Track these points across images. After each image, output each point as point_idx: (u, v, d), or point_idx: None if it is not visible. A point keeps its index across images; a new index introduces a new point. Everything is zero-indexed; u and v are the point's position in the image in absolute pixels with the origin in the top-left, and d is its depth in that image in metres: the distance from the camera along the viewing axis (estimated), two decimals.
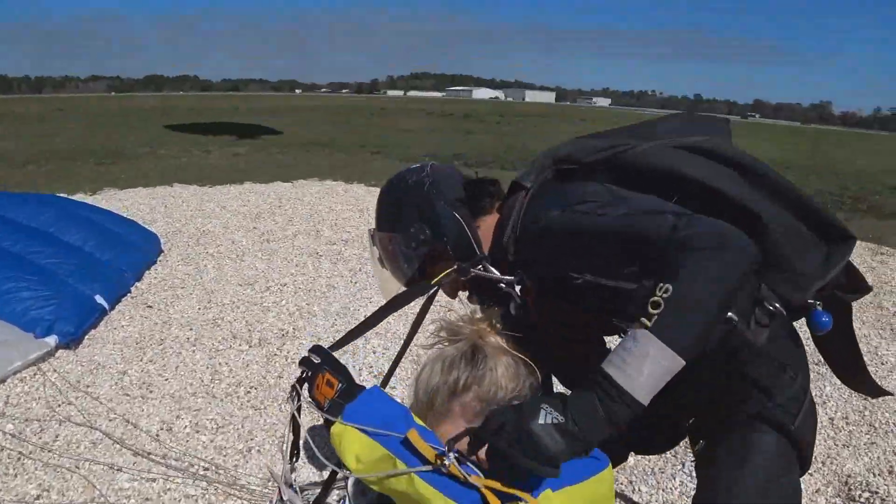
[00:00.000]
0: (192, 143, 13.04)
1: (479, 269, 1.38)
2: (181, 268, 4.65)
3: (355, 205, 7.04)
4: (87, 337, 3.39)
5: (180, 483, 2.28)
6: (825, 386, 3.21)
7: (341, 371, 1.22)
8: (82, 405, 2.76)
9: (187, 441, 2.55)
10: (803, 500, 2.27)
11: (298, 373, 1.26)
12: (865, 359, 1.48)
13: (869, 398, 3.10)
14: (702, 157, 1.32)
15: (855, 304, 1.40)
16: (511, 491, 1.04)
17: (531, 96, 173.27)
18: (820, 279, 1.26)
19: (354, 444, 1.13)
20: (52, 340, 3.15)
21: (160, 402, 2.81)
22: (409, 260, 1.44)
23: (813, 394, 2.77)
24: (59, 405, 2.75)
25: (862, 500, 2.34)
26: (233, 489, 2.26)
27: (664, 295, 1.00)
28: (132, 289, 4.11)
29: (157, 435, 2.57)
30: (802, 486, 2.18)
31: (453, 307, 1.38)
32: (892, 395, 1.69)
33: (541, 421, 0.99)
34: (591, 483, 1.16)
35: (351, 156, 11.75)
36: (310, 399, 1.24)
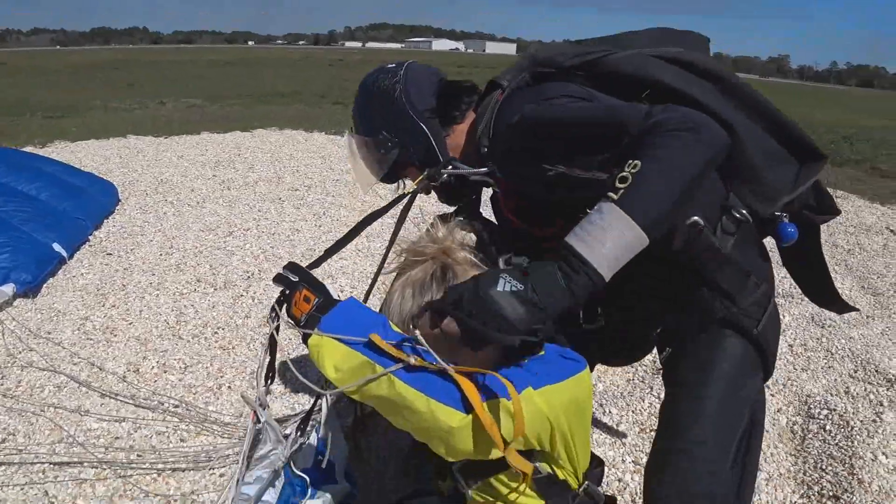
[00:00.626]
0: (145, 94, 12.61)
1: (449, 171, 1.38)
2: (140, 216, 4.52)
3: (317, 152, 6.93)
4: (45, 286, 3.29)
5: (150, 421, 2.26)
6: (784, 316, 3.31)
7: (318, 287, 1.21)
8: (44, 351, 2.69)
9: (155, 381, 2.52)
10: (767, 419, 2.37)
11: (267, 311, 1.26)
12: None
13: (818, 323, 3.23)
14: (679, 68, 1.32)
15: None
16: (483, 371, 1.05)
17: (492, 48, 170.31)
18: (788, 193, 1.31)
19: (333, 353, 1.12)
20: (8, 289, 3.04)
21: (125, 345, 2.76)
22: (380, 163, 1.44)
23: None
24: (20, 352, 2.68)
25: (821, 416, 2.42)
26: (204, 425, 2.25)
27: (632, 170, 0.99)
28: (90, 237, 3.99)
29: (125, 376, 2.53)
30: (766, 408, 2.26)
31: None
32: (858, 310, 1.73)
33: (499, 288, 0.98)
34: (570, 383, 1.18)
35: (311, 107, 11.50)
36: (287, 319, 1.23)
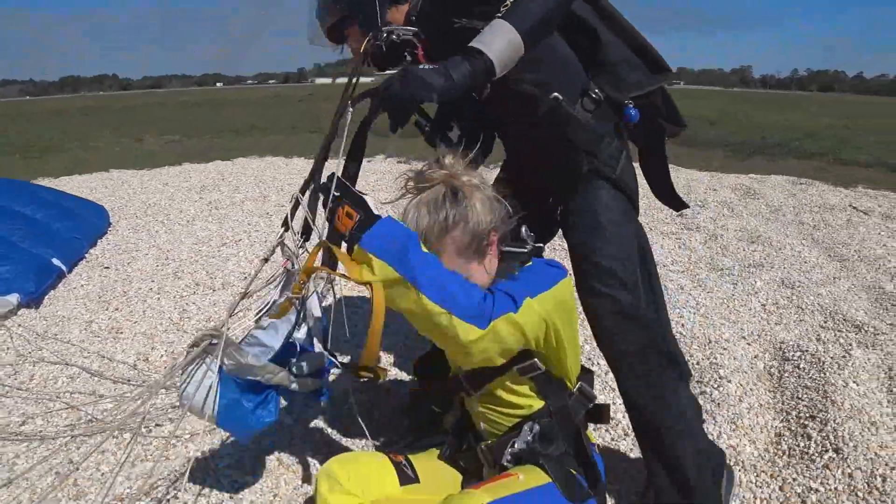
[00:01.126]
0: (123, 133, 12.71)
1: (388, 30, 1.65)
2: (132, 235, 4.64)
3: (299, 173, 7.05)
4: (47, 297, 3.40)
5: (164, 398, 2.37)
6: (756, 281, 3.51)
7: (359, 203, 1.35)
8: (54, 349, 2.79)
9: (165, 367, 2.63)
10: (744, 365, 2.55)
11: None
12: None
13: (788, 285, 3.42)
14: None
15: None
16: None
17: None
18: (636, 89, 1.71)
19: (375, 268, 1.26)
20: (13, 298, 3.14)
21: (133, 340, 2.87)
22: (331, 15, 1.71)
23: (745, 287, 3.06)
24: (30, 352, 2.78)
25: (794, 358, 2.60)
26: None
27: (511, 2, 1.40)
28: (86, 255, 4.10)
29: (135, 364, 2.64)
30: (741, 356, 2.46)
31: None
32: (688, 206, 2.13)
33: (421, 67, 1.36)
34: (558, 288, 1.36)
35: (287, 136, 11.66)
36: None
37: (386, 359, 2.73)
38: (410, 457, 1.54)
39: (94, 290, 3.49)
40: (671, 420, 1.65)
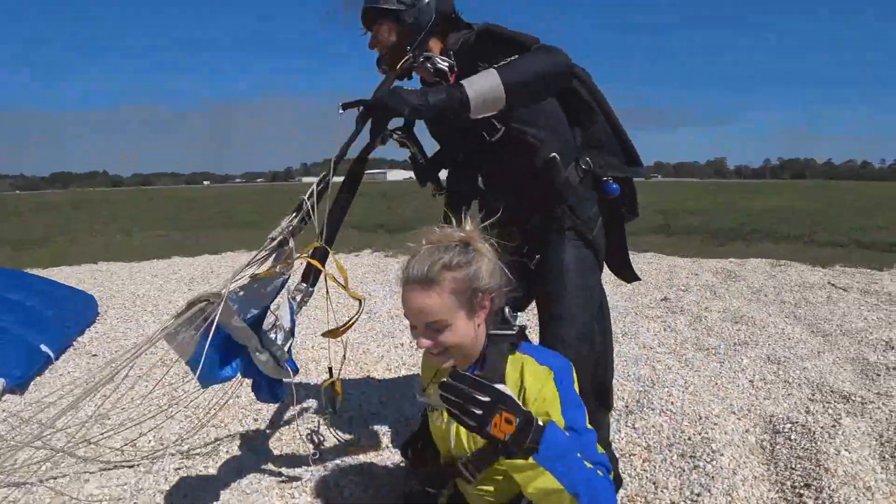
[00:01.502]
0: (112, 227, 12.81)
1: (423, 59, 1.92)
2: (121, 324, 4.63)
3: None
4: (32, 383, 3.36)
5: (150, 486, 2.32)
6: (742, 359, 3.55)
7: (511, 404, 1.27)
8: (37, 433, 2.73)
9: (153, 451, 2.59)
10: (736, 439, 2.56)
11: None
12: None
13: (774, 361, 3.47)
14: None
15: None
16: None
17: (444, 175, 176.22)
18: (615, 171, 2.01)
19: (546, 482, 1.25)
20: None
21: (119, 425, 2.82)
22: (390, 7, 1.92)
23: (731, 365, 3.13)
24: (14, 437, 2.72)
25: (785, 430, 2.61)
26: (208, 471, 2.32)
27: (512, 59, 1.67)
28: (74, 342, 4.08)
29: (121, 449, 2.60)
30: (732, 430, 2.49)
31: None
32: (640, 279, 2.47)
33: (405, 87, 1.65)
34: None
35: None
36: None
37: (384, 435, 2.71)
38: None
39: (81, 377, 3.45)
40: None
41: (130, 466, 2.47)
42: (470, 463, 1.50)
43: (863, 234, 8.93)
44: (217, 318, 1.67)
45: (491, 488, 1.53)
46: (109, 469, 2.46)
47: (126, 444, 2.66)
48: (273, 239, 1.87)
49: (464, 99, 1.60)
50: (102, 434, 2.69)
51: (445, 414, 1.45)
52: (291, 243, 1.85)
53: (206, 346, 1.71)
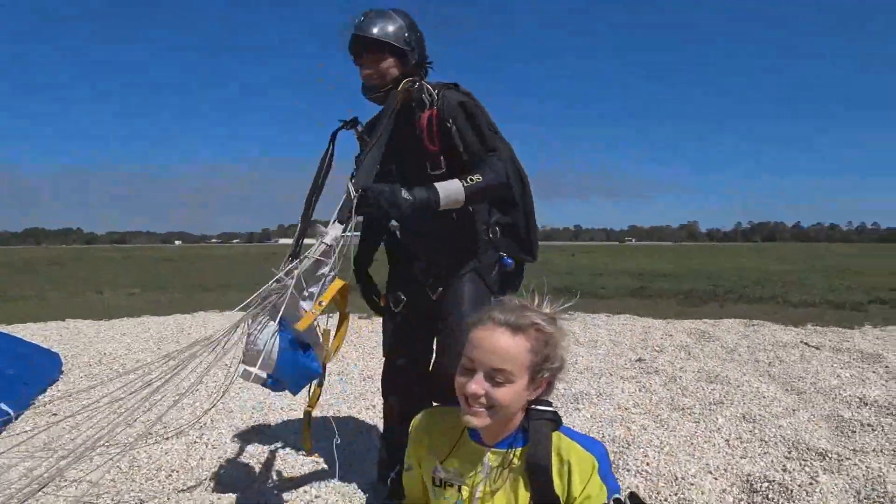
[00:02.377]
0: (82, 284, 12.59)
1: (423, 81, 2.32)
2: (85, 382, 4.49)
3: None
4: None
5: None
6: (718, 418, 3.54)
7: None
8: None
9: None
10: (713, 499, 2.53)
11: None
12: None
13: (749, 420, 3.46)
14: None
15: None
16: None
17: None
18: (512, 251, 2.43)
19: None
20: None
21: (76, 489, 2.71)
22: (374, 30, 2.26)
23: (707, 424, 3.15)
24: None
25: (762, 488, 2.58)
26: None
27: (475, 179, 2.10)
28: (35, 401, 3.94)
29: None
30: (709, 490, 2.47)
31: None
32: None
33: (398, 191, 2.00)
34: None
35: (252, 291, 11.64)
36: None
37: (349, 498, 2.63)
38: None
39: (40, 437, 3.32)
40: None
41: None
42: None
43: (834, 294, 9.10)
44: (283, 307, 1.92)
45: None
46: None
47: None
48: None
49: (436, 199, 2.05)
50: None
51: (469, 490, 1.45)
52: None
53: (285, 346, 1.94)
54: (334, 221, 2.03)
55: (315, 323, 2.01)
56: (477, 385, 1.34)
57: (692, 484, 2.65)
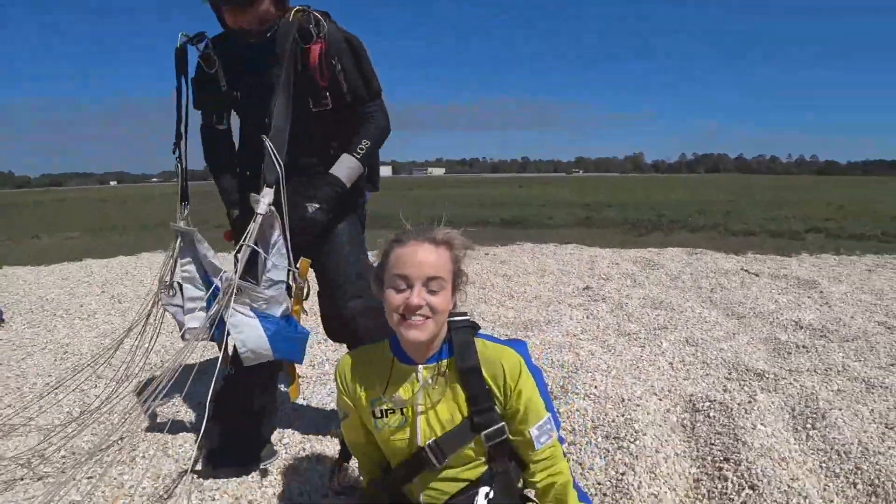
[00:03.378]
0: (17, 233, 12.09)
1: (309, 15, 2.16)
2: (28, 330, 4.37)
3: None
4: None
5: (63, 494, 2.19)
6: (662, 342, 3.67)
7: None
8: None
9: (63, 463, 2.44)
10: (658, 419, 2.62)
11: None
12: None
13: (692, 343, 3.61)
14: None
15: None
16: None
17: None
18: (369, 186, 2.61)
19: None
20: None
21: (27, 437, 2.66)
22: None
23: (652, 349, 3.23)
24: None
25: (704, 408, 2.71)
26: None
27: (363, 146, 2.19)
28: None
29: (29, 461, 2.44)
30: (654, 411, 2.54)
31: None
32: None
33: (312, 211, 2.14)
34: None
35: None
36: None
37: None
38: None
39: None
40: None
41: (39, 479, 2.31)
42: (437, 447, 1.49)
43: (773, 224, 9.42)
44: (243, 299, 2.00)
45: (437, 475, 1.52)
46: (15, 483, 2.30)
47: (34, 456, 2.49)
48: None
49: (343, 187, 2.17)
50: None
51: (410, 409, 1.51)
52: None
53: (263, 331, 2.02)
54: (263, 186, 2.04)
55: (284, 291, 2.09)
56: (418, 297, 1.40)
57: (637, 405, 2.76)
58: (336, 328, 2.37)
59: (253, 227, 2.00)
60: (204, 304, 2.13)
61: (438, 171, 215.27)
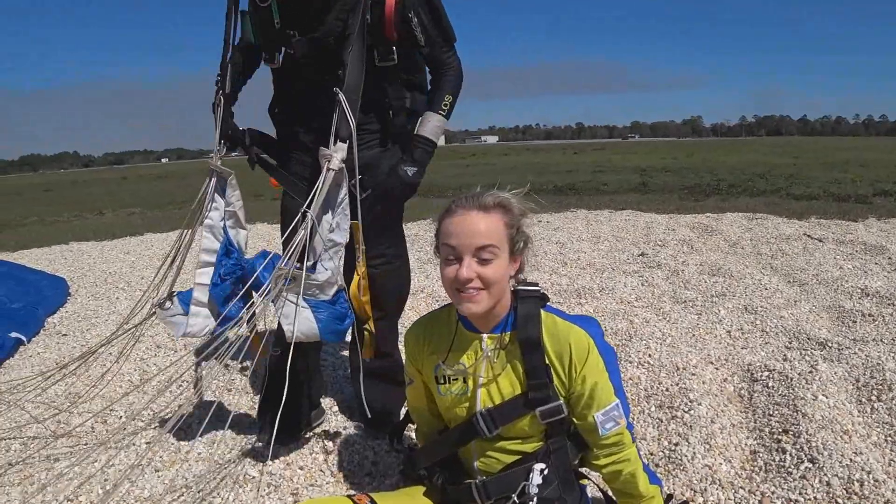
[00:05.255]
0: (83, 207, 12.56)
1: None
2: (92, 303, 4.54)
3: (262, 237, 6.98)
4: (2, 367, 3.28)
5: (123, 458, 2.27)
6: (719, 310, 3.56)
7: None
8: (8, 416, 2.68)
9: (124, 429, 2.53)
10: (714, 388, 2.55)
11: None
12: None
13: (751, 311, 3.49)
14: None
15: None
16: None
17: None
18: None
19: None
20: None
21: (90, 404, 2.76)
22: None
23: (709, 316, 3.12)
24: None
25: (762, 377, 2.61)
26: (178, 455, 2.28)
27: (448, 102, 2.13)
28: (45, 325, 3.99)
29: (93, 428, 2.54)
30: (710, 380, 2.46)
31: None
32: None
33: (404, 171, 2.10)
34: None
35: (251, 202, 11.62)
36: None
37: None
38: (376, 498, 1.48)
39: (52, 357, 3.38)
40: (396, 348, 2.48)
41: (101, 444, 2.40)
42: (489, 416, 1.46)
43: (838, 187, 9.01)
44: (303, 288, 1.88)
45: (492, 444, 1.50)
46: (79, 447, 2.40)
47: (96, 422, 2.59)
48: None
49: (434, 145, 2.14)
50: (70, 410, 2.63)
51: (472, 379, 1.47)
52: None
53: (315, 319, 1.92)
54: (335, 140, 1.91)
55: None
56: (468, 269, 1.34)
57: (693, 374, 2.69)
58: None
59: (320, 185, 1.88)
60: (209, 283, 2.19)
61: (492, 139, 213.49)
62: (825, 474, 1.88)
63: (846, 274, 4.19)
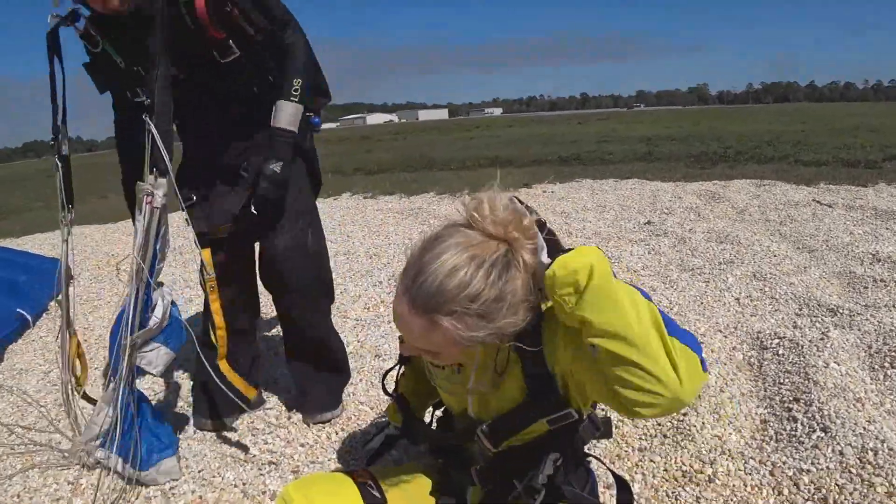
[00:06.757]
0: (86, 192, 12.51)
1: None
2: (95, 285, 4.52)
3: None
4: (7, 350, 3.28)
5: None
6: (728, 277, 3.49)
7: None
8: (10, 400, 2.67)
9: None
10: (723, 356, 2.50)
11: None
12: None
13: (760, 278, 3.42)
14: None
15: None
16: None
17: (424, 115, 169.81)
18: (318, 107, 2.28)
19: None
20: None
21: (92, 385, 2.75)
22: None
23: (717, 284, 3.04)
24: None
25: (772, 345, 2.56)
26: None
27: (297, 84, 1.98)
28: (48, 307, 3.97)
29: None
30: (718, 349, 2.40)
31: None
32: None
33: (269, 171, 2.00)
34: None
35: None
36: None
37: (359, 374, 2.64)
38: (377, 473, 1.42)
39: (53, 341, 3.36)
40: (330, 332, 2.42)
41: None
42: (492, 431, 1.29)
43: (847, 152, 8.87)
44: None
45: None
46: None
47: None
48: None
49: (293, 134, 2.01)
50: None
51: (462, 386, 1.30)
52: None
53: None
54: (155, 177, 1.86)
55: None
56: (411, 351, 1.20)
57: (701, 342, 2.61)
58: (265, 272, 2.28)
59: (142, 223, 1.92)
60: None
61: (496, 111, 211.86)
62: (838, 443, 1.83)
63: (856, 239, 4.12)
